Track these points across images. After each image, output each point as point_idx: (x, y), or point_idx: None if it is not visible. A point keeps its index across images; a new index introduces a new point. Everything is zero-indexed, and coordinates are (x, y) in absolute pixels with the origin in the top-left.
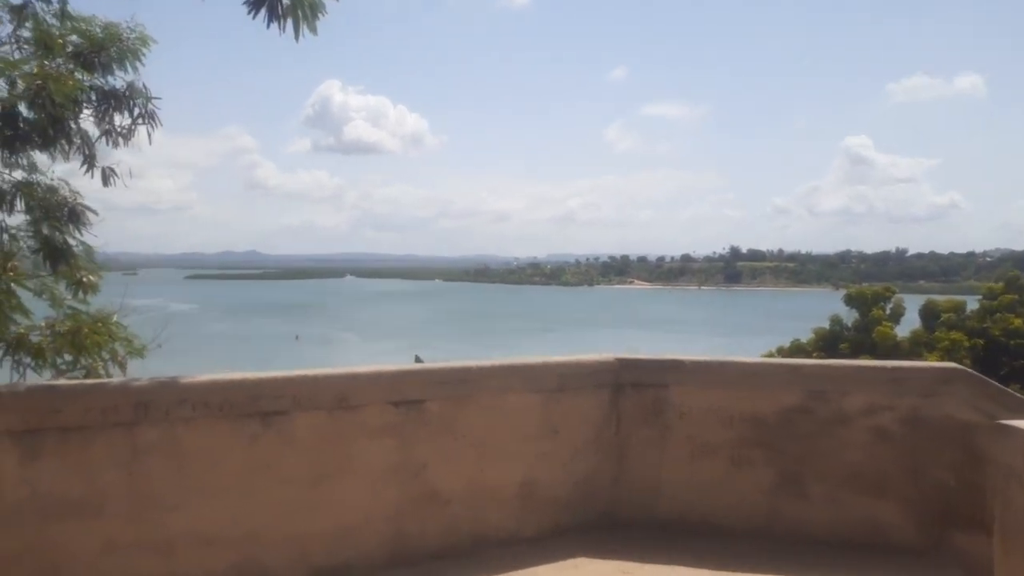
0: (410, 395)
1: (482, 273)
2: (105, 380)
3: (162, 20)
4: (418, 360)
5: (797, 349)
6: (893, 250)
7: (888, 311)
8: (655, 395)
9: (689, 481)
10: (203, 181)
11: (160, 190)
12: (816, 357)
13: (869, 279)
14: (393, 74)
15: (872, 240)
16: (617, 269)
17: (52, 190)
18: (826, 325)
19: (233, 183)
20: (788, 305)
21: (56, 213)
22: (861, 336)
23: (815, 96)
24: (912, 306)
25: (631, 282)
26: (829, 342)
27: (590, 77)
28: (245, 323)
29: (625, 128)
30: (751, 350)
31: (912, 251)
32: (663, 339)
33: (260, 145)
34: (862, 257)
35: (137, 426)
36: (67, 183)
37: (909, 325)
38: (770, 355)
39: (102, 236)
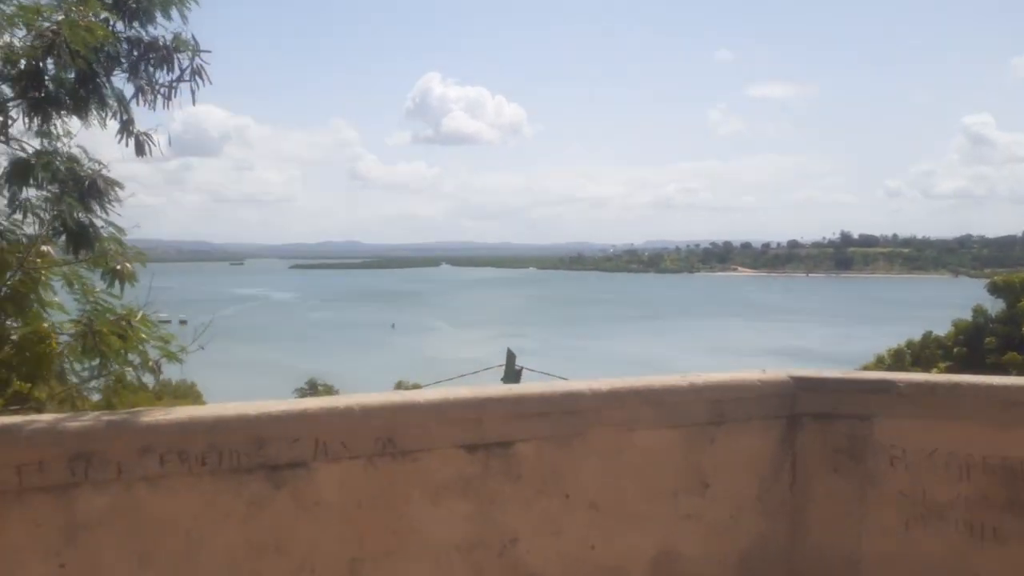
0: (492, 434)
1: (576, 261)
2: (31, 418)
3: (270, 16)
4: (510, 355)
5: (934, 344)
6: (1019, 234)
7: None
8: (850, 430)
9: (903, 558)
10: (308, 173)
11: (267, 181)
12: (958, 353)
13: (991, 264)
14: (492, 65)
15: (994, 224)
16: (719, 256)
17: (73, 159)
18: (957, 314)
19: (336, 175)
20: (905, 293)
21: (77, 187)
22: (1009, 329)
23: (931, 72)
24: None
25: (734, 269)
26: (972, 336)
27: (694, 59)
28: (343, 311)
29: (729, 110)
30: (872, 343)
31: None
32: (772, 328)
33: (362, 138)
34: (984, 242)
35: (75, 490)
36: (86, 151)
37: None
38: (899, 351)
39: (214, 228)
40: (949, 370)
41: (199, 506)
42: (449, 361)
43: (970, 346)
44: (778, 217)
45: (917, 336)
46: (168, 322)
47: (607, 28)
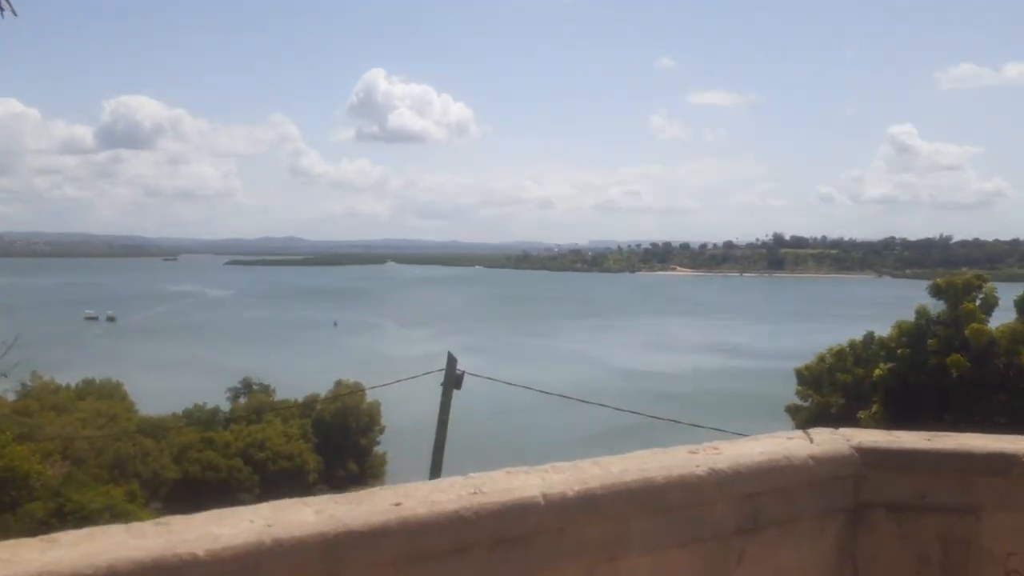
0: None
1: (523, 259)
2: None
3: (207, 6)
4: (451, 359)
5: (877, 344)
6: (937, 237)
7: (979, 302)
8: (945, 529)
9: None
10: (246, 168)
11: (204, 176)
12: (901, 355)
13: (912, 265)
14: (438, 63)
15: (917, 228)
16: (659, 256)
17: None
18: (882, 312)
19: (276, 171)
20: (833, 292)
21: None
22: (951, 331)
23: (862, 84)
24: None
25: (673, 268)
26: (915, 337)
27: (636, 66)
28: (282, 309)
29: (671, 117)
30: (801, 340)
31: (957, 238)
32: (708, 326)
33: (304, 134)
34: (906, 244)
35: None
36: None
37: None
38: (840, 351)
39: (147, 222)
40: (892, 372)
41: None
42: (393, 360)
43: (913, 347)
44: (716, 219)
45: (843, 332)
46: (95, 318)
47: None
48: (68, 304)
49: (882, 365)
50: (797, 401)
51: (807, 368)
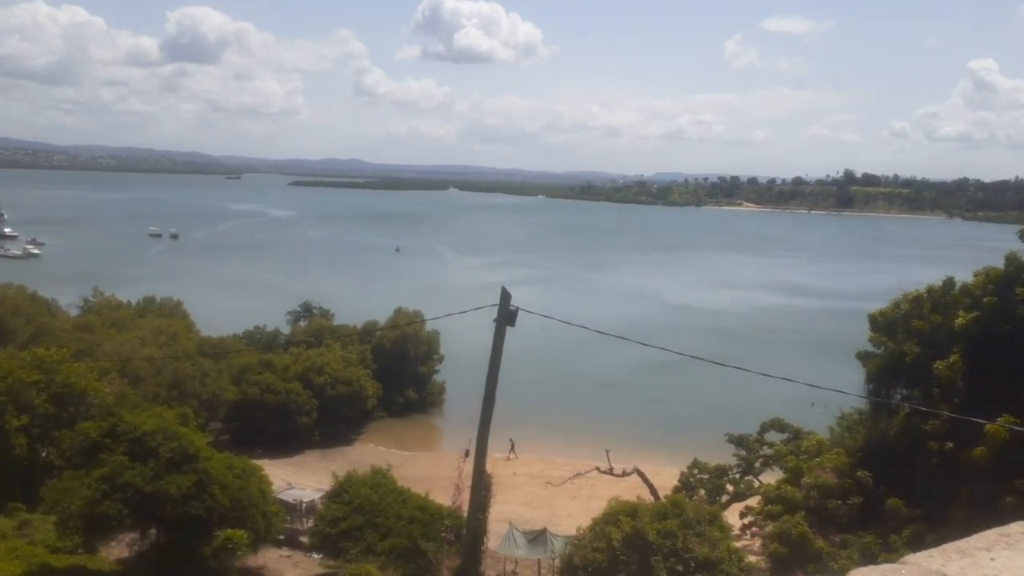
0: None
1: (587, 190)
2: None
3: None
4: (504, 294)
5: (961, 291)
6: (1013, 179)
7: None
8: None
9: None
10: (311, 86)
11: (269, 92)
12: (988, 303)
13: (985, 208)
14: None
15: (992, 168)
16: (726, 190)
17: None
18: (952, 255)
19: (341, 89)
20: (903, 232)
21: None
22: None
23: (942, 15)
24: None
25: (740, 204)
26: (1002, 285)
27: None
28: (344, 232)
29: (745, 43)
30: (866, 280)
31: None
32: (771, 264)
33: (369, 51)
34: (979, 186)
35: None
36: None
37: None
38: (917, 296)
39: (211, 139)
40: (976, 321)
41: None
42: (453, 287)
43: (1000, 295)
44: (786, 152)
45: (912, 274)
46: (159, 235)
47: None
48: (132, 219)
49: (963, 314)
50: (867, 347)
51: (881, 313)
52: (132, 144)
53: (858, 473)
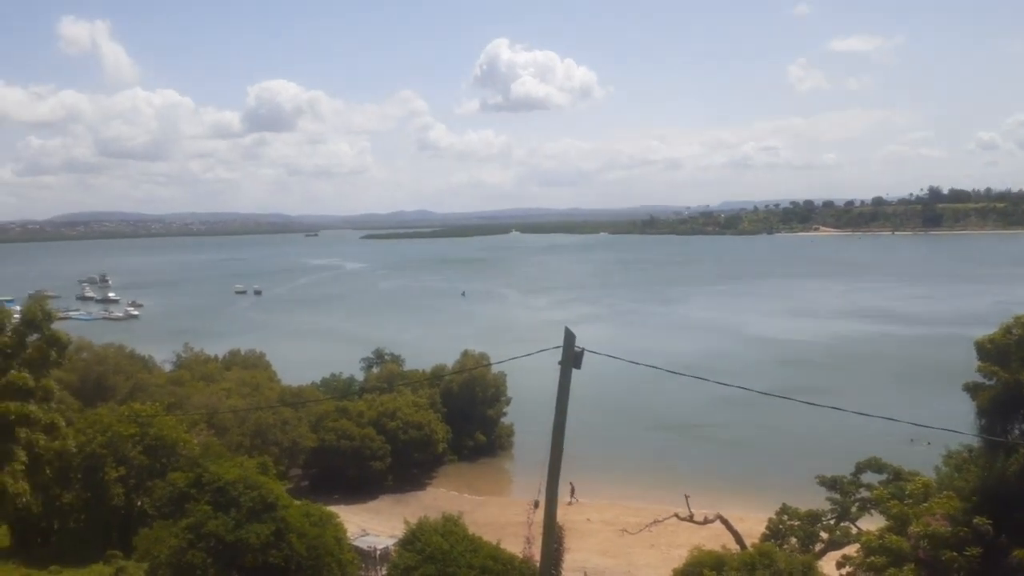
0: None
1: (650, 224)
2: None
3: None
4: (569, 335)
5: None
6: None
7: None
8: None
9: None
10: (378, 145)
11: (339, 153)
12: None
13: None
14: (560, 28)
15: None
16: (800, 216)
17: None
18: None
19: (406, 145)
20: (1001, 249)
21: None
22: None
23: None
24: None
25: (816, 228)
26: None
27: (770, 14)
28: (413, 279)
29: (809, 65)
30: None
31: None
32: (854, 289)
33: (431, 107)
34: None
35: None
36: None
37: None
38: None
39: (289, 200)
40: None
41: None
42: (517, 328)
43: None
44: (862, 174)
45: (1015, 295)
46: (244, 292)
47: None
48: (220, 279)
49: None
50: (974, 376)
51: (991, 340)
52: (218, 209)
53: (975, 520)
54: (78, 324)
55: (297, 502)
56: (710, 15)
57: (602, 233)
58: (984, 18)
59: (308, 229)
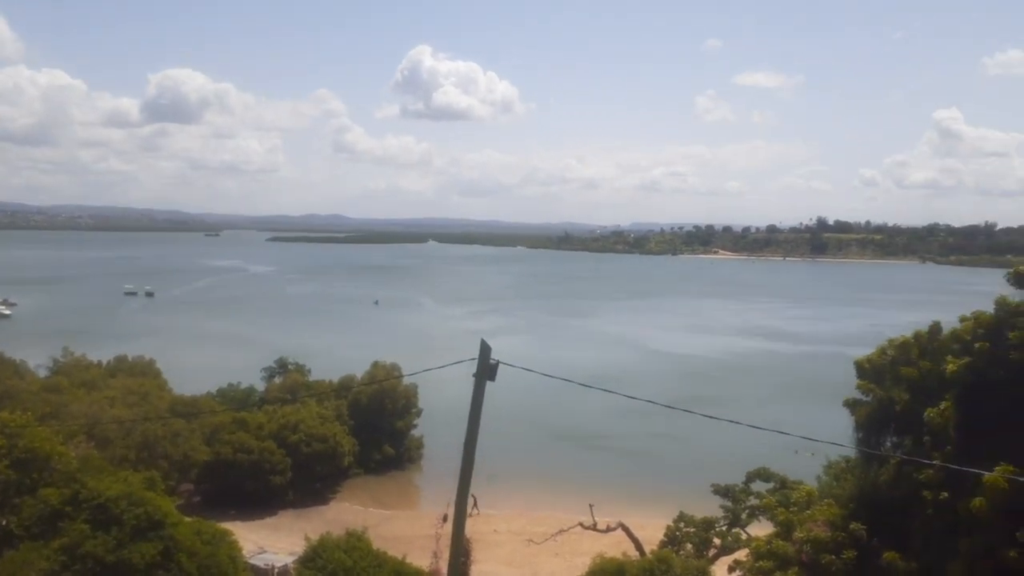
0: None
1: (565, 240)
2: None
3: None
4: (484, 347)
5: (949, 337)
6: (982, 224)
7: None
8: None
9: None
10: (291, 144)
11: (248, 150)
12: (980, 348)
13: (957, 252)
14: (484, 41)
15: (961, 214)
16: (702, 239)
17: None
18: (928, 298)
19: (321, 146)
20: (878, 277)
21: None
22: None
23: (908, 68)
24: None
25: (716, 252)
26: (993, 330)
27: (684, 47)
28: (324, 285)
29: (717, 98)
30: (855, 327)
31: (1002, 225)
32: (748, 309)
33: (349, 109)
34: (950, 231)
35: None
36: None
37: None
38: (904, 343)
39: (190, 197)
40: (968, 367)
41: None
42: (432, 338)
43: (991, 340)
44: (759, 202)
45: (890, 318)
46: (134, 293)
47: (600, 12)
48: (108, 278)
49: (953, 359)
50: (849, 391)
51: (868, 360)
52: (111, 203)
53: (851, 526)
54: None
55: (188, 519)
56: (627, 43)
57: (519, 247)
58: (872, 66)
59: (209, 228)
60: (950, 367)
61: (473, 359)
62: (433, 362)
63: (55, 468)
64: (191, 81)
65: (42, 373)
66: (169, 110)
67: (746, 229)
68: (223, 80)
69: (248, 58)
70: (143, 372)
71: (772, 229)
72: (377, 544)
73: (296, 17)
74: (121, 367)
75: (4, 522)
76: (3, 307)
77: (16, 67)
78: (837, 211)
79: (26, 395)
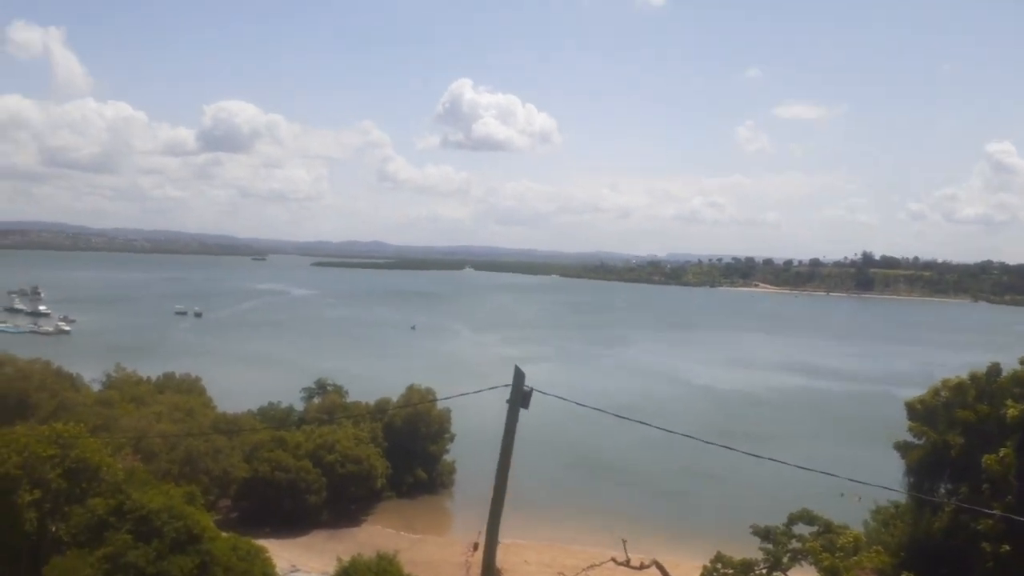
0: None
1: (599, 270)
2: None
3: (306, 18)
4: (518, 374)
5: (1009, 380)
6: None
7: None
8: None
9: None
10: (335, 172)
11: (295, 179)
12: None
13: (1011, 291)
14: (524, 75)
15: (1015, 251)
16: (741, 271)
17: None
18: (984, 339)
19: (364, 175)
20: (928, 315)
21: None
22: None
23: (957, 98)
24: None
25: (756, 285)
26: None
27: (723, 77)
28: (363, 310)
29: (757, 128)
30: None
31: None
32: (790, 344)
33: (392, 140)
34: (1004, 268)
35: None
36: None
37: None
38: (960, 384)
39: (239, 223)
40: None
41: None
42: (467, 364)
43: None
44: (801, 234)
45: (941, 358)
46: (184, 313)
47: (639, 44)
48: (161, 298)
49: (1013, 403)
50: (896, 432)
51: (920, 401)
52: (166, 227)
53: (903, 575)
54: (4, 337)
55: (225, 535)
56: (666, 73)
57: (554, 275)
58: (919, 96)
59: (256, 253)
60: (1011, 411)
61: (507, 385)
62: (467, 388)
63: (103, 479)
64: (243, 112)
65: (96, 387)
66: (223, 140)
67: (788, 262)
68: (273, 111)
69: (296, 90)
70: (189, 389)
71: (816, 263)
72: (407, 568)
73: (342, 51)
74: (169, 384)
75: (54, 529)
76: (63, 324)
77: (84, 100)
78: (882, 245)
79: (80, 407)
